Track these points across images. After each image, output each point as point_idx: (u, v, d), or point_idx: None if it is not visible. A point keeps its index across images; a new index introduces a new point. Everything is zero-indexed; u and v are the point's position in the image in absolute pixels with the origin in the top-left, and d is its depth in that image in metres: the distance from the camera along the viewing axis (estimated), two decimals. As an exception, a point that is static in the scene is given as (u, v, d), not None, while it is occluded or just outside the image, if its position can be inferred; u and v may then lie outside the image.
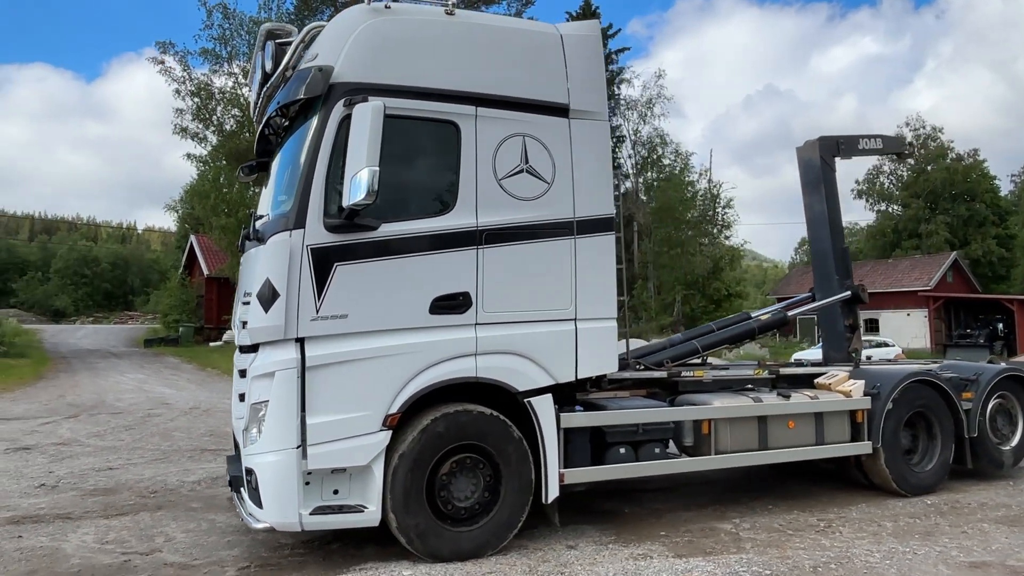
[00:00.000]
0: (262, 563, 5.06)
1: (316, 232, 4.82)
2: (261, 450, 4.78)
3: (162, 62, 31.48)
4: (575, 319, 5.56)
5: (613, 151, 38.75)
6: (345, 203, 4.71)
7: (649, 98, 42.86)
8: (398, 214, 5.13)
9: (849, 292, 8.37)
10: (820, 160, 8.52)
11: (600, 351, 5.65)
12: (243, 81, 31.71)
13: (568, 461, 5.55)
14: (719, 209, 40.28)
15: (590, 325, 5.61)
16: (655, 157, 43.42)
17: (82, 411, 13.68)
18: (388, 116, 4.94)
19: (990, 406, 7.74)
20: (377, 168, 4.61)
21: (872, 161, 56.14)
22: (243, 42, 31.87)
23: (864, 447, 6.85)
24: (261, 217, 5.43)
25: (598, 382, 6.22)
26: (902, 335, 41.56)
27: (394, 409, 4.92)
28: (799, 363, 8.83)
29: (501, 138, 5.39)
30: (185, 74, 32.24)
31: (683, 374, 6.84)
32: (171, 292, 40.95)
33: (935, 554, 5.26)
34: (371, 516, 4.87)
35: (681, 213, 36.68)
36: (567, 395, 5.98)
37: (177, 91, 32.59)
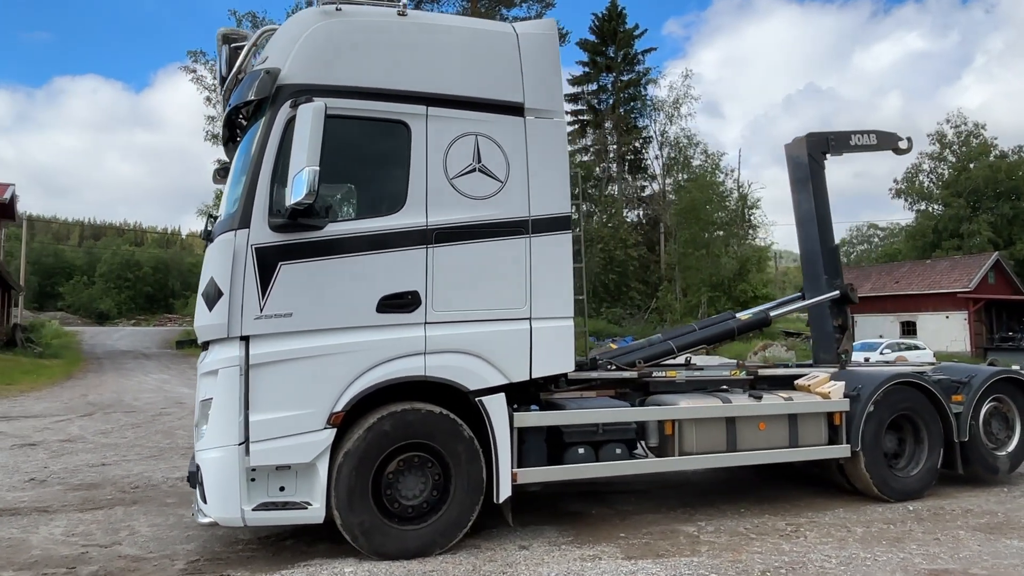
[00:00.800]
0: (212, 557, 5.15)
1: (261, 232, 4.89)
2: (206, 446, 4.86)
3: (194, 71, 32.36)
4: (530, 318, 5.53)
5: (639, 152, 38.65)
6: (287, 203, 4.77)
7: (676, 98, 42.40)
8: (346, 213, 5.19)
9: (837, 292, 8.16)
10: (808, 157, 8.33)
11: (556, 350, 5.61)
12: None
13: (522, 460, 5.52)
14: (747, 210, 39.67)
15: (546, 324, 5.57)
16: (683, 158, 42.95)
17: (98, 409, 14.10)
18: (336, 117, 5.03)
19: (984, 410, 7.46)
20: (317, 168, 4.66)
21: (910, 159, 54.66)
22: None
23: (842, 450, 6.67)
24: (218, 217, 5.53)
25: (563, 381, 6.21)
26: (940, 338, 40.34)
27: (339, 407, 4.95)
28: (786, 365, 8.64)
29: (453, 137, 5.39)
30: (216, 82, 33.04)
31: (654, 374, 6.76)
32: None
33: (897, 560, 5.09)
34: (315, 513, 4.91)
35: (707, 214, 36.18)
36: (531, 394, 5.97)
37: (208, 99, 33.50)
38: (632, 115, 44.61)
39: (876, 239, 66.77)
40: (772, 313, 8.14)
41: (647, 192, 45.72)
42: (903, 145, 9.04)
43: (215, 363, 4.88)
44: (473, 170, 5.44)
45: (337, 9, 5.27)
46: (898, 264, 49.76)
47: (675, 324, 34.24)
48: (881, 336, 37.93)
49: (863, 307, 47.14)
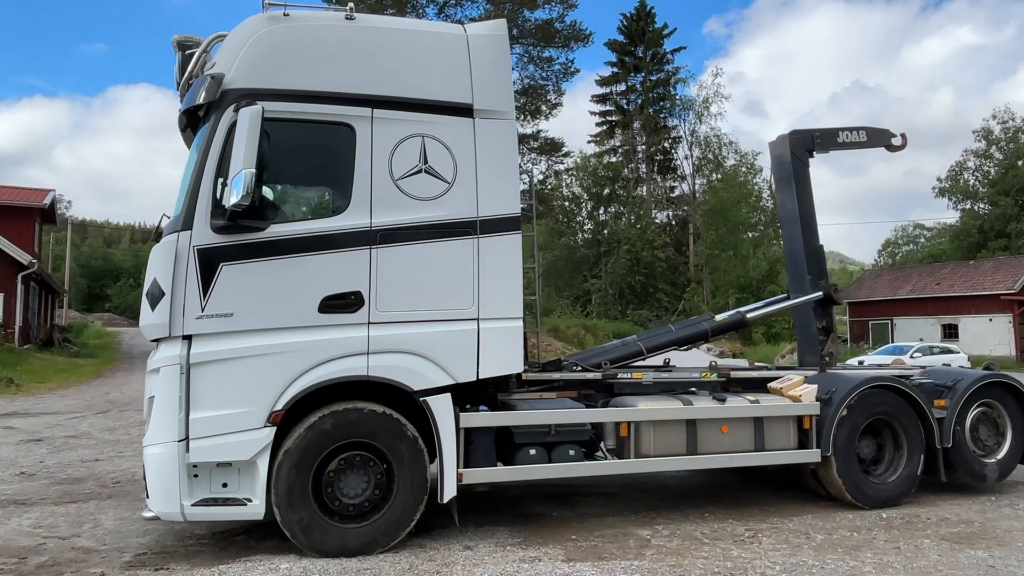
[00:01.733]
0: (161, 551, 5.28)
1: (203, 233, 5.00)
2: (148, 442, 4.99)
3: None
4: (478, 319, 5.53)
5: (668, 152, 38.13)
6: (226, 205, 4.87)
7: (706, 97, 41.85)
8: (289, 215, 5.28)
9: (820, 293, 7.96)
10: (791, 155, 8.15)
11: (504, 351, 5.59)
12: None
13: (470, 461, 5.52)
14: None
15: (494, 325, 5.56)
16: (713, 157, 42.36)
17: (114, 407, 14.56)
18: (282, 120, 5.14)
19: (971, 416, 7.19)
20: (253, 170, 4.76)
21: (954, 157, 52.82)
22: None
23: (812, 455, 6.50)
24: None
25: (524, 382, 6.21)
26: (983, 342, 38.94)
27: (279, 406, 5.02)
28: (766, 367, 8.44)
29: (399, 139, 5.43)
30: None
31: (620, 376, 6.68)
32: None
33: (845, 569, 4.94)
34: (255, 510, 4.99)
35: (736, 214, 35.60)
36: (488, 395, 5.98)
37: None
38: (661, 115, 44.19)
39: (922, 239, 64.80)
40: (751, 315, 7.97)
41: (676, 192, 45.28)
42: (896, 142, 8.78)
43: (158, 361, 5.00)
44: (419, 171, 5.47)
45: (285, 14, 5.36)
46: (940, 265, 48.18)
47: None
48: (921, 339, 36.75)
49: (903, 309, 45.82)
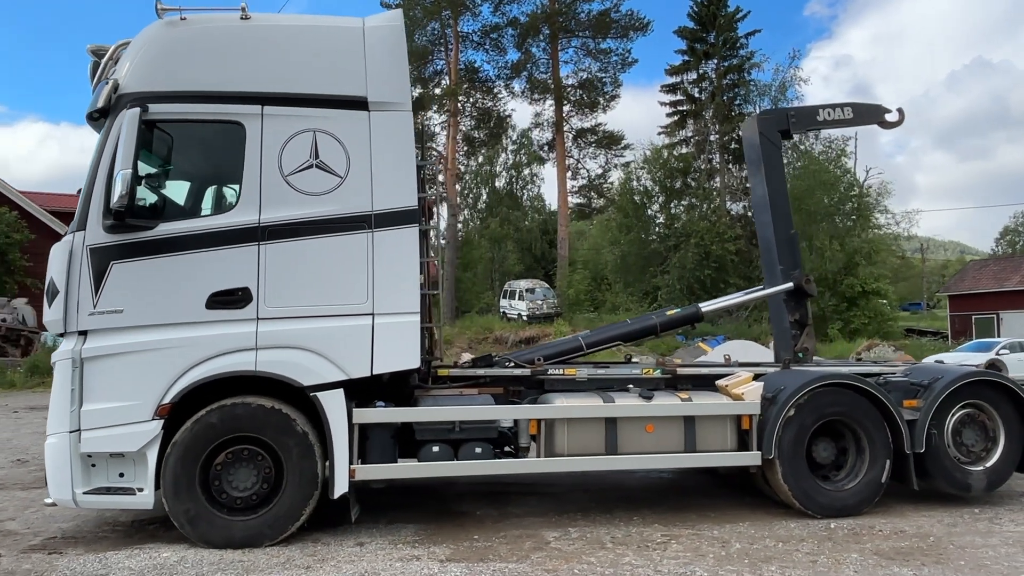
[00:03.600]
0: (71, 536, 5.55)
1: (95, 233, 5.20)
2: (47, 433, 5.25)
3: None
4: (373, 313, 5.48)
5: (707, 147, 36.19)
6: (111, 206, 5.05)
7: (782, 82, 39.81)
8: (180, 213, 5.41)
9: (791, 284, 7.39)
10: (760, 137, 7.60)
11: (400, 346, 5.51)
12: None
13: (366, 457, 5.49)
14: (864, 199, 36.48)
15: (389, 320, 5.50)
16: (792, 145, 40.21)
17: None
18: (173, 121, 5.30)
19: (952, 418, 6.48)
20: (129, 171, 4.94)
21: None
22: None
23: (751, 458, 6.05)
24: None
25: (443, 377, 6.13)
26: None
27: (166, 400, 5.16)
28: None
29: (289, 135, 5.46)
30: None
31: (550, 372, 6.46)
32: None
33: (732, 582, 4.56)
34: (144, 499, 5.15)
35: (810, 203, 33.62)
36: (406, 391, 5.95)
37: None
38: (736, 102, 42.35)
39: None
40: (707, 308, 7.49)
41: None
42: (892, 117, 8.03)
43: (55, 356, 5.25)
44: (310, 166, 5.48)
45: (182, 19, 5.50)
46: (984, 261, 43.90)
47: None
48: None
49: (1012, 302, 41.90)
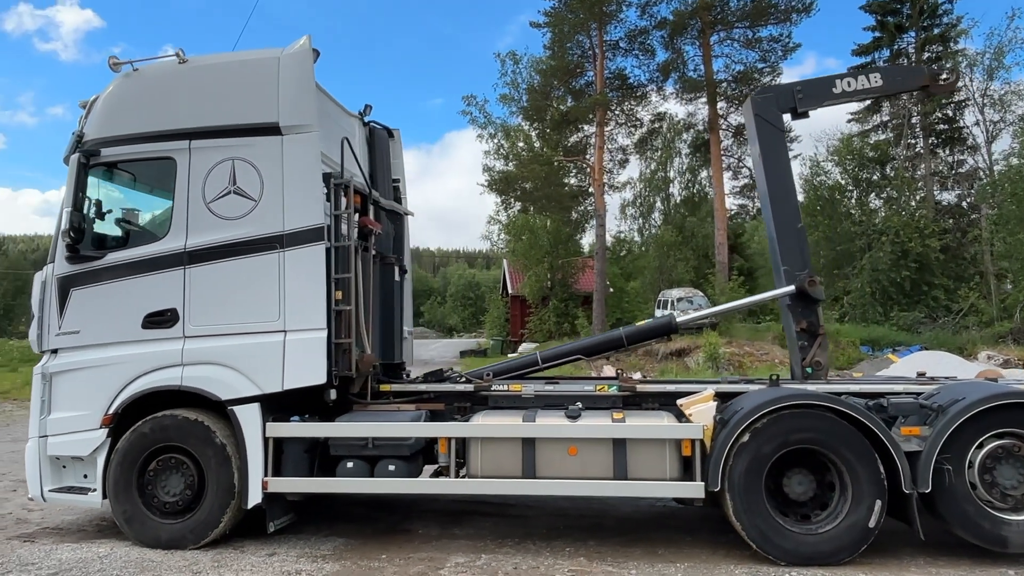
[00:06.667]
0: (54, 527, 6.40)
1: (61, 264, 5.99)
2: (28, 437, 6.11)
3: (468, 112, 36.21)
4: (285, 331, 5.67)
5: (953, 120, 31.68)
6: (60, 239, 5.81)
7: (998, 46, 33.91)
8: (124, 243, 6.04)
9: (792, 287, 6.30)
10: (755, 120, 6.59)
11: (307, 362, 5.63)
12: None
13: (281, 470, 5.67)
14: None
15: (298, 336, 5.65)
16: (1018, 119, 34.07)
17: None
18: (122, 160, 6.02)
19: (980, 451, 5.12)
20: (71, 209, 5.66)
21: None
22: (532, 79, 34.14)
23: (693, 489, 5.27)
24: None
25: (385, 392, 6.19)
26: None
27: (110, 411, 5.77)
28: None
29: (212, 165, 5.86)
30: (485, 118, 36.38)
31: (494, 388, 6.17)
32: (495, 306, 47.09)
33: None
34: (95, 499, 5.79)
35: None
36: (347, 404, 6.08)
37: (479, 136, 37.20)
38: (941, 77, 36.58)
39: None
40: (682, 318, 6.60)
41: (966, 168, 36.98)
42: (944, 78, 6.54)
43: (34, 370, 6.11)
44: (228, 193, 5.83)
45: (134, 69, 6.17)
46: None
47: (985, 329, 27.37)
48: None
49: None
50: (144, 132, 6.00)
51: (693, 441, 5.31)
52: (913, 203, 37.01)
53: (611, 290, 39.20)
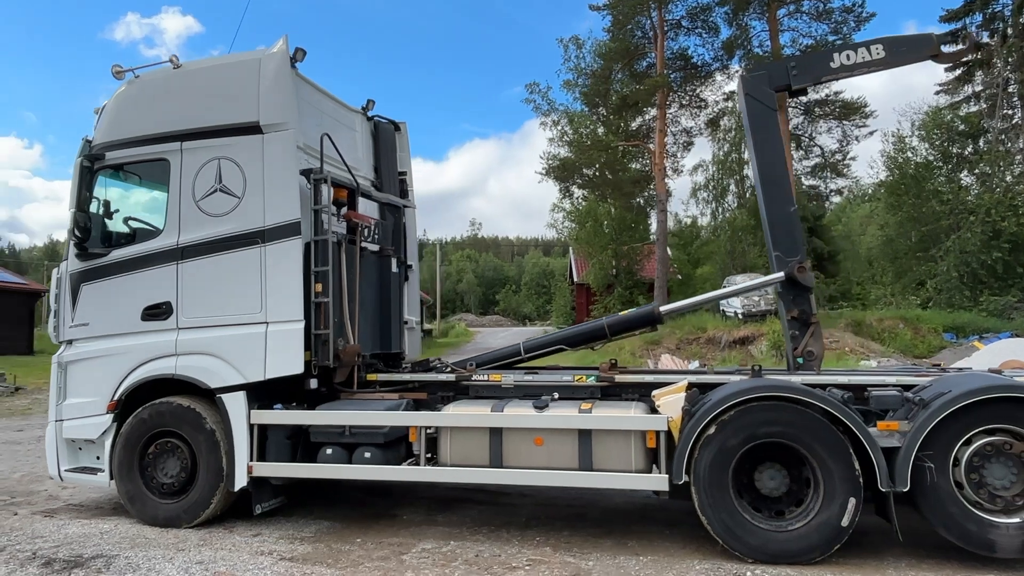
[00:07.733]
0: (78, 503, 6.91)
1: (74, 261, 6.45)
2: (48, 421, 6.63)
3: (532, 100, 35.99)
4: (266, 322, 5.92)
5: (1003, 101, 28.96)
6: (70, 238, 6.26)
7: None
8: (126, 241, 6.43)
9: (781, 274, 6.02)
10: (745, 99, 6.31)
11: (286, 352, 5.85)
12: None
13: (264, 455, 5.93)
14: None
15: (278, 327, 5.88)
16: None
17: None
18: (124, 163, 6.41)
19: (968, 448, 4.77)
20: (74, 210, 6.08)
21: None
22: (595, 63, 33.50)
23: (657, 481, 5.16)
24: None
25: (368, 382, 6.35)
26: None
27: (114, 397, 6.20)
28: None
29: (200, 164, 6.16)
30: (549, 105, 35.96)
31: (475, 378, 6.23)
32: (561, 294, 47.08)
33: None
34: (103, 479, 6.25)
35: None
36: (336, 393, 6.31)
37: (542, 123, 36.98)
38: (1043, 40, 33.49)
39: None
40: (665, 308, 6.39)
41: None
42: (949, 48, 6.05)
43: (52, 359, 6.61)
44: (215, 191, 6.11)
45: (135, 76, 6.54)
46: None
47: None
48: None
49: None
50: (142, 135, 6.35)
51: (657, 433, 5.20)
52: (1009, 178, 34.26)
53: (679, 277, 38.39)
